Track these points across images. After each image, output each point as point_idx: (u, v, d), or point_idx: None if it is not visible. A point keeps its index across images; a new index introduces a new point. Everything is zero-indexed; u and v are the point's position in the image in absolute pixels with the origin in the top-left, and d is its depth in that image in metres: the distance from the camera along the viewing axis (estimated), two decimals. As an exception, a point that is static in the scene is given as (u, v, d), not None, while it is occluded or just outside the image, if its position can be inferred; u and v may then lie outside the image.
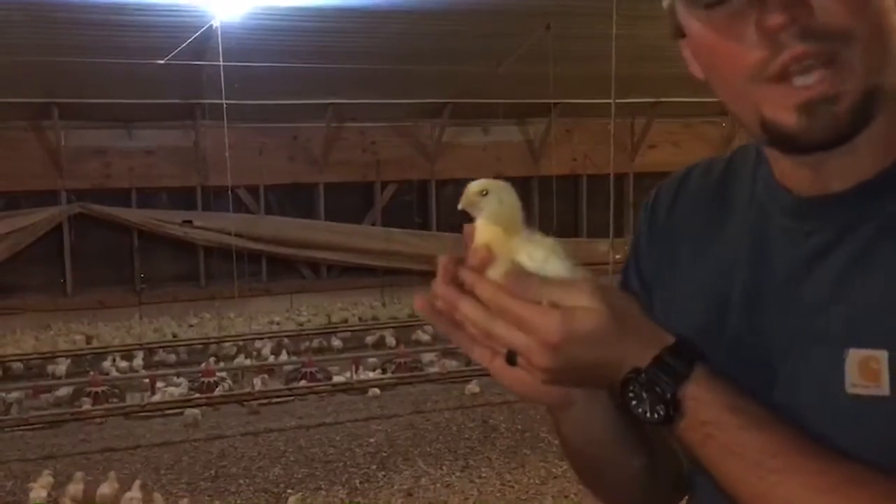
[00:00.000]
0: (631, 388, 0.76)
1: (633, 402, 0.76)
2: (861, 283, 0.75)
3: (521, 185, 15.95)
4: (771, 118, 0.73)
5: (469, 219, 0.82)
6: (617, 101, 11.88)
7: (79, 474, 6.14)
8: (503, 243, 0.78)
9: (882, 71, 0.72)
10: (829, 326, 0.76)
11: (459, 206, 0.82)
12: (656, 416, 0.75)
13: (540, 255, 0.78)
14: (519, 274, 0.76)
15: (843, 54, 0.69)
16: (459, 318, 0.79)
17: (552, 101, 13.34)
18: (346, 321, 12.16)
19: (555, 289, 0.75)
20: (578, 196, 16.17)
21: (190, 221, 13.41)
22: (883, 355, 0.71)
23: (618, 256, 11.67)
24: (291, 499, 5.74)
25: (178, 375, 9.29)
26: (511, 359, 0.78)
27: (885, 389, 0.71)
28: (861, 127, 0.73)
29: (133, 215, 13.29)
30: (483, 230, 0.80)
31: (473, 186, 0.82)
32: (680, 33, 0.81)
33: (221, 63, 9.49)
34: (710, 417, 0.74)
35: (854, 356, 0.73)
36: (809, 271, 0.79)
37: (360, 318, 12.40)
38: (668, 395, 0.74)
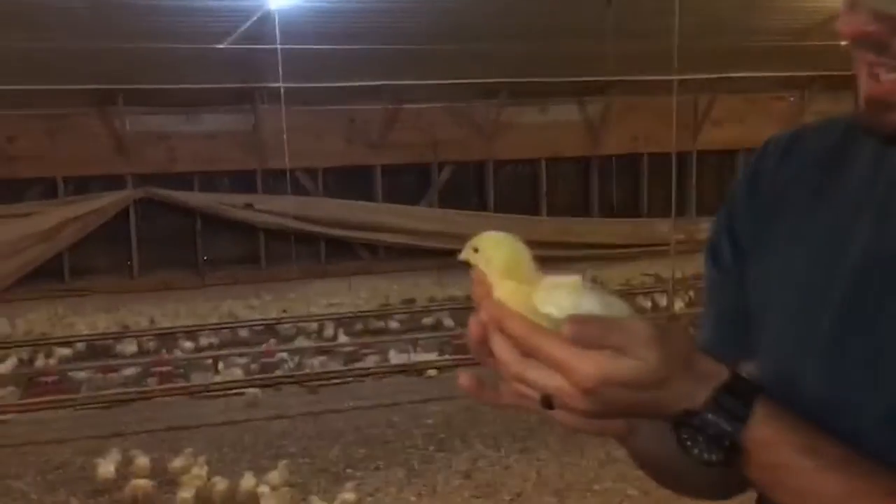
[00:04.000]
0: (684, 430, 0.70)
1: (689, 444, 0.70)
2: None
3: (580, 165, 15.74)
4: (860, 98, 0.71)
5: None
6: (679, 76, 11.61)
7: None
8: (519, 295, 0.72)
9: None
10: None
11: (459, 258, 0.79)
12: (714, 459, 0.69)
13: (568, 302, 0.71)
14: (579, 320, 0.69)
15: None
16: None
17: (611, 78, 13.08)
18: (402, 302, 12.19)
19: (615, 335, 0.68)
20: (638, 175, 15.87)
21: (251, 204, 13.61)
22: None
23: (680, 237, 11.45)
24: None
25: (240, 356, 9.44)
26: (546, 402, 0.72)
27: None
28: None
29: (196, 199, 13.55)
30: (496, 286, 0.74)
31: (470, 241, 0.78)
32: None
33: (279, 46, 9.55)
34: (779, 460, 0.69)
35: None
36: None
37: (415, 300, 12.42)
38: (726, 442, 0.68)
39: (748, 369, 0.77)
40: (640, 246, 14.16)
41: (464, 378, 0.79)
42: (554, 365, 0.69)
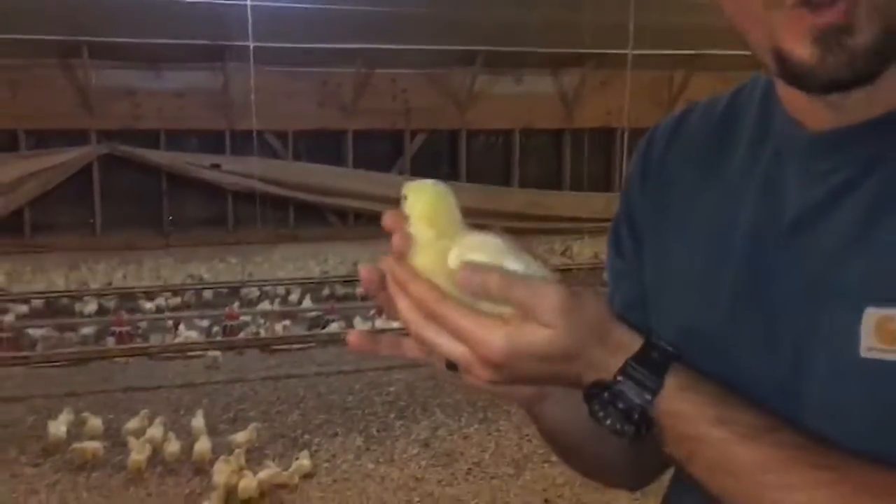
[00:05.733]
0: (596, 402, 0.68)
1: (600, 415, 0.68)
2: (881, 233, 0.66)
3: (553, 138, 15.69)
4: (785, 48, 0.66)
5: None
6: (653, 52, 11.57)
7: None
8: (437, 249, 0.69)
9: None
10: (845, 280, 0.67)
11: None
12: (626, 431, 0.67)
13: (484, 258, 0.67)
14: (475, 269, 0.65)
15: None
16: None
17: (586, 50, 13.00)
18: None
19: (520, 290, 0.65)
20: (612, 150, 15.87)
21: (218, 165, 13.39)
22: None
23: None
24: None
25: (202, 318, 9.33)
26: (451, 365, 0.70)
27: None
28: (879, 68, 0.65)
29: (162, 157, 13.30)
30: (416, 234, 0.71)
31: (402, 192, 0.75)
32: None
33: (249, 3, 9.32)
34: (692, 432, 0.67)
35: (871, 316, 0.65)
36: (825, 216, 0.70)
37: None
38: (636, 414, 0.67)
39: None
40: (611, 220, 14.17)
41: (352, 337, 0.77)
42: (459, 336, 0.66)
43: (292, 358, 8.41)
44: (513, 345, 0.65)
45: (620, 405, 0.67)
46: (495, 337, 0.65)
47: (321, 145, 14.27)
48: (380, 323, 9.34)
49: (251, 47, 10.06)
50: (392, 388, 7.51)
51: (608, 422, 0.68)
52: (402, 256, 0.69)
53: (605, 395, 0.67)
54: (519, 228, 11.02)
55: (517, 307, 0.65)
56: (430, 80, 14.18)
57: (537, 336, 0.65)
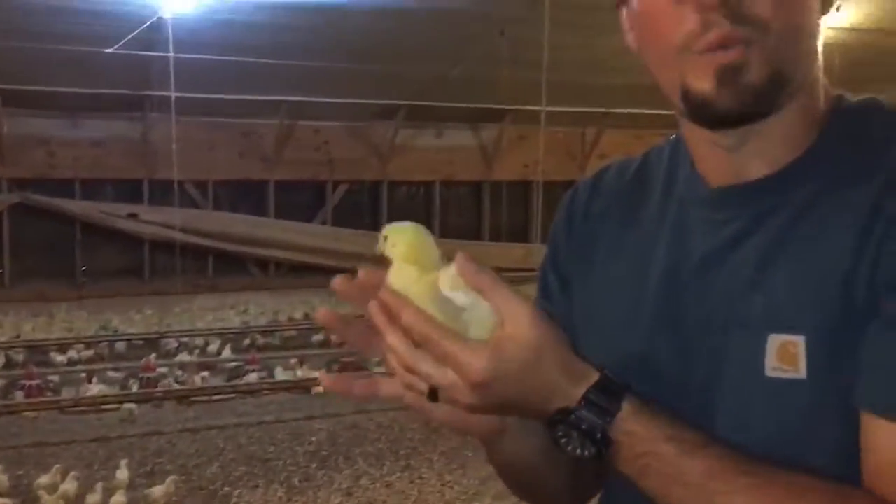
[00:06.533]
0: (560, 427, 0.76)
1: (563, 441, 0.76)
2: (778, 270, 0.78)
3: (473, 190, 16.03)
4: (691, 85, 0.77)
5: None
6: (566, 109, 12.07)
7: None
8: (421, 284, 0.75)
9: (790, 63, 0.77)
10: (750, 312, 0.78)
11: (376, 251, 0.81)
12: (587, 453, 0.76)
13: (471, 292, 0.75)
14: (476, 262, 0.75)
15: (760, 40, 0.75)
16: (383, 346, 0.77)
17: (505, 106, 13.45)
18: (290, 320, 12.05)
19: (500, 296, 0.74)
20: (529, 202, 16.30)
21: (135, 214, 13.18)
22: (800, 340, 0.74)
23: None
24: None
25: (116, 370, 9.10)
26: (433, 394, 0.76)
27: (802, 373, 0.74)
28: (769, 104, 0.77)
29: (76, 206, 13.00)
30: (395, 272, 0.77)
31: (380, 234, 0.81)
32: (621, 2, 0.85)
33: (172, 55, 9.36)
34: (646, 449, 0.75)
35: (773, 341, 0.76)
36: (727, 258, 0.81)
37: (306, 316, 12.30)
38: (598, 435, 0.75)
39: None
40: (529, 270, 14.49)
41: (326, 380, 0.84)
42: (446, 358, 0.73)
43: (211, 409, 8.28)
44: (495, 364, 0.72)
45: (584, 427, 0.74)
46: (481, 358, 0.72)
47: (243, 195, 14.22)
48: (301, 373, 9.31)
49: (172, 97, 10.05)
50: (314, 438, 7.47)
51: (570, 447, 0.76)
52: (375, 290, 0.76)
53: (571, 418, 0.75)
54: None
55: (497, 308, 0.73)
56: (353, 132, 14.37)
57: (518, 352, 0.73)
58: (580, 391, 0.75)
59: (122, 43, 9.66)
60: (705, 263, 0.83)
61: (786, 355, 0.75)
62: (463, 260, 0.75)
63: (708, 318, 0.82)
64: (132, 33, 9.49)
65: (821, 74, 0.83)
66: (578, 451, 0.76)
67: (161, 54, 9.77)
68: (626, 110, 14.37)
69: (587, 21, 8.60)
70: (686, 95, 0.78)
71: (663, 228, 0.89)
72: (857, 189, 0.76)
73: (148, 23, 9.32)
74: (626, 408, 0.75)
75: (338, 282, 0.80)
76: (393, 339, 0.75)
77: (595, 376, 0.76)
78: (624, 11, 0.86)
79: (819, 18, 0.80)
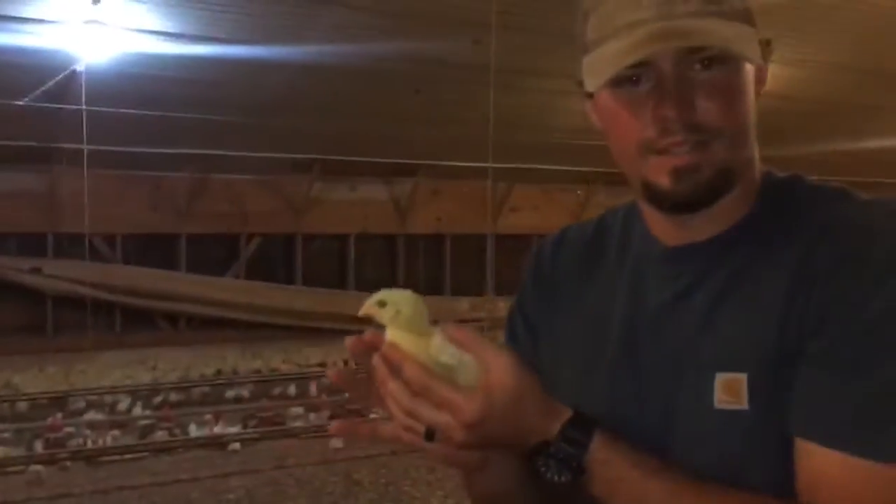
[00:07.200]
0: (540, 459, 0.86)
1: (543, 469, 0.86)
2: (723, 317, 0.90)
3: (388, 243, 16.20)
4: (651, 180, 0.90)
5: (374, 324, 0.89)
6: (478, 165, 12.47)
7: None
8: (417, 346, 0.86)
9: (738, 160, 0.91)
10: (700, 354, 0.91)
11: (359, 314, 0.89)
12: (564, 479, 0.86)
13: (458, 352, 0.86)
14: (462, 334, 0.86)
15: (712, 143, 0.88)
16: (383, 393, 0.87)
17: (420, 161, 13.75)
18: (203, 375, 11.82)
19: (483, 349, 0.85)
20: (442, 255, 16.57)
21: (39, 269, 12.75)
22: (744, 377, 0.87)
23: (481, 315, 12.04)
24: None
25: (19, 431, 8.72)
26: (430, 435, 0.86)
27: (745, 404, 0.87)
28: (717, 195, 0.90)
29: (-25, 261, 12.51)
30: (394, 337, 0.87)
31: (372, 298, 0.89)
32: (587, 93, 0.95)
33: (84, 107, 9.27)
34: (615, 475, 0.86)
35: (721, 378, 0.88)
36: (678, 308, 0.94)
37: (219, 371, 12.09)
38: (574, 463, 0.85)
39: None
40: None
41: (334, 426, 0.94)
42: (443, 403, 0.84)
43: (123, 469, 8.03)
44: (487, 407, 0.83)
45: (561, 457, 0.85)
46: (473, 402, 0.83)
47: (153, 249, 13.95)
48: (218, 429, 9.15)
49: (85, 150, 9.89)
50: (231, 496, 7.34)
51: (549, 475, 0.86)
52: (376, 349, 0.88)
53: (550, 450, 0.86)
54: (357, 331, 11.22)
55: (486, 357, 0.85)
56: (266, 185, 14.37)
57: (505, 397, 0.84)
58: (556, 426, 0.86)
59: (34, 94, 9.49)
60: (660, 312, 0.96)
61: (731, 390, 0.87)
62: (451, 327, 0.87)
63: (662, 361, 0.94)
64: (45, 85, 9.35)
65: (756, 153, 0.96)
66: (556, 478, 0.86)
67: (73, 107, 9.64)
68: (534, 166, 14.88)
69: (504, 81, 8.98)
70: (646, 187, 0.92)
71: (621, 281, 1.01)
72: (785, 249, 0.89)
73: (62, 75, 9.21)
74: (597, 439, 0.86)
75: (351, 341, 0.90)
76: (394, 387, 0.86)
77: (568, 413, 0.87)
78: (587, 101, 0.97)
79: (754, 105, 0.92)
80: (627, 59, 0.86)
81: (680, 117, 0.86)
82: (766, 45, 0.93)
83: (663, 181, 0.89)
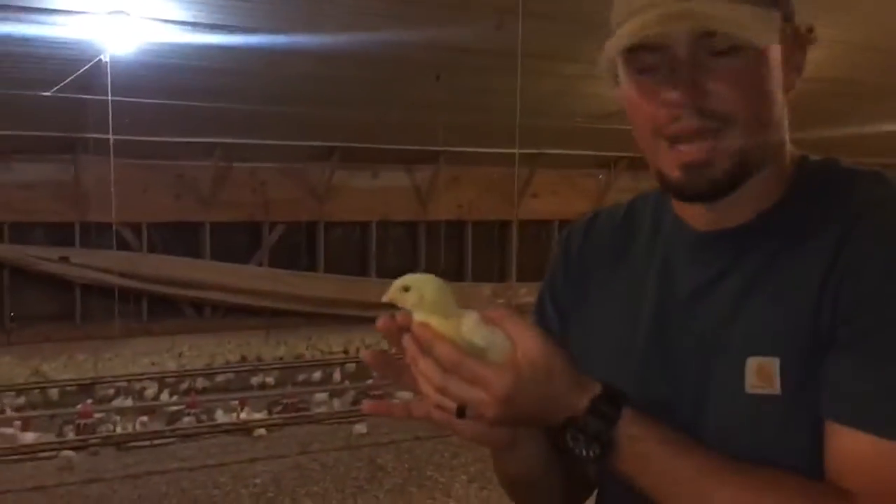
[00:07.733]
0: (569, 432, 0.86)
1: (572, 443, 0.86)
2: (753, 303, 0.90)
3: (409, 230, 16.25)
4: (663, 171, 0.91)
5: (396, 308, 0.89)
6: (499, 150, 12.46)
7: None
8: (446, 328, 0.86)
9: (755, 150, 0.89)
10: (731, 339, 0.90)
11: (383, 299, 0.89)
12: (592, 454, 0.86)
13: (489, 333, 0.86)
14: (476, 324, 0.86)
15: (724, 131, 0.87)
16: (414, 372, 0.87)
17: (440, 148, 13.76)
18: (228, 362, 11.97)
19: (514, 326, 0.85)
20: (464, 241, 16.59)
21: (66, 258, 12.94)
22: (775, 362, 0.87)
23: (500, 301, 12.08)
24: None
25: (52, 417, 8.90)
26: (461, 412, 0.86)
27: (777, 389, 0.87)
28: (734, 185, 0.89)
29: (4, 250, 12.70)
30: (426, 319, 0.87)
31: (396, 283, 0.89)
32: (617, 82, 0.95)
33: (110, 98, 9.36)
34: (643, 450, 0.85)
35: (752, 363, 0.88)
36: (711, 294, 0.94)
37: (244, 358, 12.23)
38: (603, 437, 0.85)
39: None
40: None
41: (366, 405, 0.96)
42: (475, 380, 0.84)
43: (152, 454, 8.18)
44: (518, 381, 0.83)
45: (590, 431, 0.85)
46: (505, 376, 0.83)
47: (178, 237, 14.09)
48: (243, 415, 9.28)
49: (111, 140, 10.01)
50: (258, 480, 7.46)
51: (578, 449, 0.86)
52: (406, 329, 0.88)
53: (579, 423, 0.85)
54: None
55: (513, 337, 0.85)
56: (289, 173, 14.46)
57: (535, 372, 0.84)
58: (586, 400, 0.86)
59: (61, 85, 9.60)
60: (691, 298, 0.96)
61: (763, 374, 0.87)
62: (491, 308, 0.88)
63: (694, 346, 0.94)
64: (71, 76, 9.46)
65: (787, 137, 0.94)
66: (585, 453, 0.86)
67: (98, 97, 9.74)
68: (554, 151, 14.85)
69: (525, 66, 8.96)
70: (660, 177, 0.92)
71: (651, 267, 1.01)
72: (819, 235, 0.88)
73: (88, 65, 9.31)
74: (626, 414, 0.86)
75: (382, 321, 0.90)
76: (425, 365, 0.86)
77: (598, 388, 0.87)
78: (618, 89, 0.96)
79: (784, 91, 0.91)
80: (634, 39, 0.85)
81: (687, 101, 0.86)
82: (807, 33, 0.93)
83: (675, 175, 0.90)
